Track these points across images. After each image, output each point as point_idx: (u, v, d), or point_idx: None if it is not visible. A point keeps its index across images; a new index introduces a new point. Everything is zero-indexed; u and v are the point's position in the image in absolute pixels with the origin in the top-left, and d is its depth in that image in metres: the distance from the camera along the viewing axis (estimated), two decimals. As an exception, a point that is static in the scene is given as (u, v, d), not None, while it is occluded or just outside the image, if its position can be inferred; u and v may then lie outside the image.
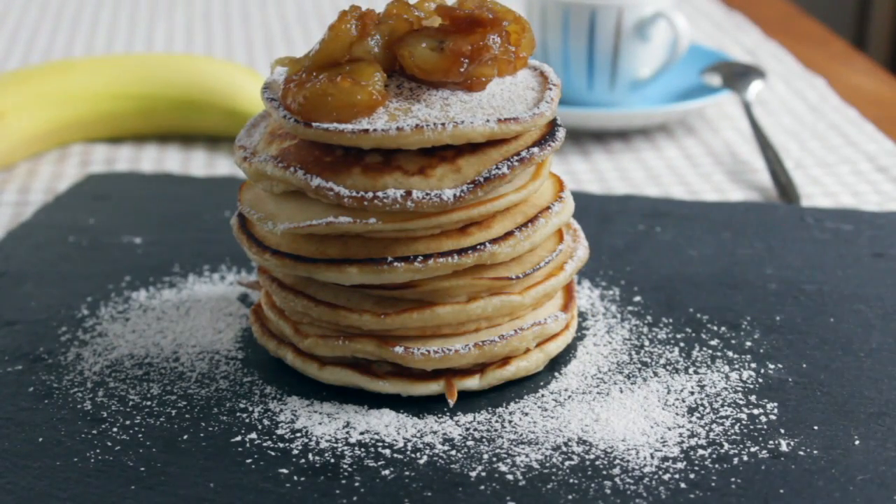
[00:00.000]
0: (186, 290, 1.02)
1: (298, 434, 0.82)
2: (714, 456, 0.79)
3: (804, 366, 0.89)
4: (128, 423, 0.83)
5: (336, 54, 0.82)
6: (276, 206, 0.86)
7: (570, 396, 0.86)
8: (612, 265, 1.05)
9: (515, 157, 0.83)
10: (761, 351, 0.91)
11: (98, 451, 0.80)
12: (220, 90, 1.36)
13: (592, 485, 0.76)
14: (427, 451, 0.80)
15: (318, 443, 0.81)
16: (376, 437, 0.82)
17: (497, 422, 0.83)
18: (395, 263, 0.82)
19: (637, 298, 0.99)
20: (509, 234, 0.84)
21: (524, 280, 0.86)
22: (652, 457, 0.79)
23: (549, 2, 1.39)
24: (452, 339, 0.85)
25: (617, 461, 0.78)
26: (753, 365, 0.89)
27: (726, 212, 1.15)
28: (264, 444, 0.81)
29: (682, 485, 0.76)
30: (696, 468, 0.78)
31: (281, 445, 0.81)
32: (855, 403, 0.84)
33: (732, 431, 0.81)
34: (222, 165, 1.34)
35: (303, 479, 0.77)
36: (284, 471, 0.78)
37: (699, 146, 1.39)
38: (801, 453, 0.79)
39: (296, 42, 1.81)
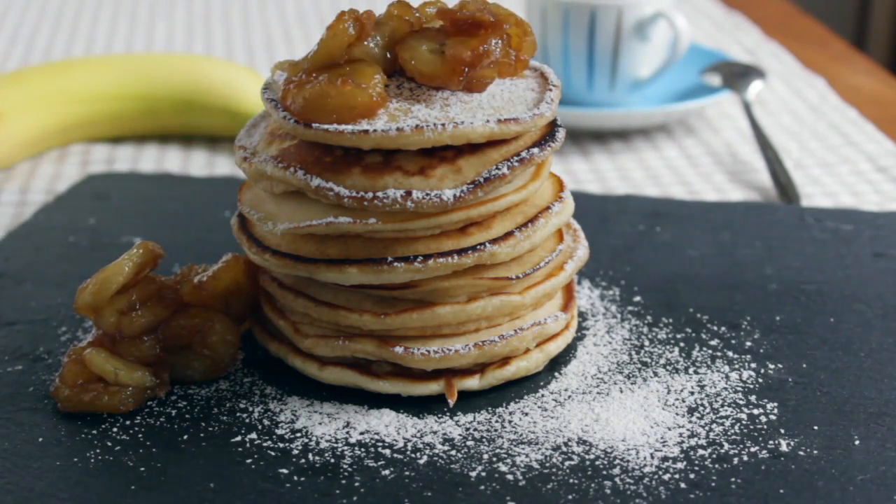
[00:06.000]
0: (186, 290, 1.01)
1: (298, 434, 0.82)
2: (714, 456, 0.79)
3: (804, 366, 0.89)
4: (128, 423, 0.83)
5: (334, 54, 0.82)
6: (276, 206, 0.86)
7: (570, 396, 0.86)
8: (612, 265, 1.05)
9: (515, 158, 0.83)
10: (761, 351, 0.91)
11: (98, 451, 0.80)
12: (220, 90, 1.36)
13: (592, 485, 0.76)
14: (427, 451, 0.80)
15: (318, 443, 0.81)
16: (376, 437, 0.82)
17: (497, 422, 0.83)
18: (395, 263, 0.82)
19: (637, 298, 0.99)
20: (509, 234, 0.84)
21: (524, 280, 0.86)
22: (652, 457, 0.79)
23: (549, 2, 1.39)
24: (452, 339, 0.85)
25: (617, 461, 0.78)
26: (753, 365, 0.89)
27: (726, 212, 1.15)
28: (264, 444, 0.81)
29: (682, 485, 0.76)
30: (696, 468, 0.78)
31: (281, 445, 0.81)
32: (855, 403, 0.84)
33: (732, 431, 0.81)
34: (222, 165, 1.34)
35: (303, 479, 0.77)
36: (284, 471, 0.78)
37: (699, 146, 1.39)
38: (801, 453, 0.79)
39: (296, 42, 1.81)
